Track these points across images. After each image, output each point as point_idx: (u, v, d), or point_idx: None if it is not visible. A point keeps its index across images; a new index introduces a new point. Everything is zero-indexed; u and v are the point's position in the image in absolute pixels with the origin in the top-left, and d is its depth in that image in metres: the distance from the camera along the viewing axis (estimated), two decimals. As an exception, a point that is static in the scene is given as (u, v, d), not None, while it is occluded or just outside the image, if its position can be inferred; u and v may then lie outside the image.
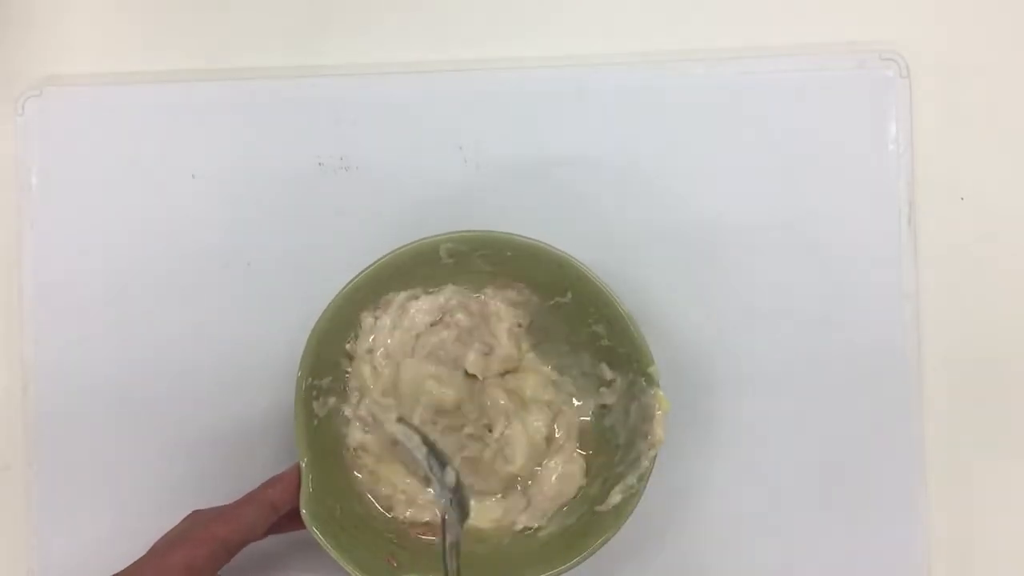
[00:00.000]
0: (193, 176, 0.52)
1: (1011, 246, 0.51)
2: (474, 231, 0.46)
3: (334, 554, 0.44)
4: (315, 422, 0.47)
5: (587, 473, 0.48)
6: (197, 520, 0.45)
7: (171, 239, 0.51)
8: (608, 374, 0.48)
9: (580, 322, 0.48)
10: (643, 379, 0.46)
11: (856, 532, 0.50)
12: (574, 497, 0.48)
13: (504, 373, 0.49)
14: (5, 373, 0.52)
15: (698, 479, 0.50)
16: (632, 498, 0.45)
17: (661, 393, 0.46)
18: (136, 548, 0.50)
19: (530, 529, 0.48)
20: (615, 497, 0.46)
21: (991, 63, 0.51)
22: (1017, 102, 0.51)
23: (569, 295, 0.47)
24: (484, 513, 0.48)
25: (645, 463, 0.45)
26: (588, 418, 0.49)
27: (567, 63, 0.52)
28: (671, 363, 0.50)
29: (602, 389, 0.48)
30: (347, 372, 0.48)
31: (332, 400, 0.48)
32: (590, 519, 0.47)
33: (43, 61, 0.53)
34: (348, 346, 0.48)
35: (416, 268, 0.47)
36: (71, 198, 0.52)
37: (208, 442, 0.51)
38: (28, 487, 0.51)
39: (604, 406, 0.49)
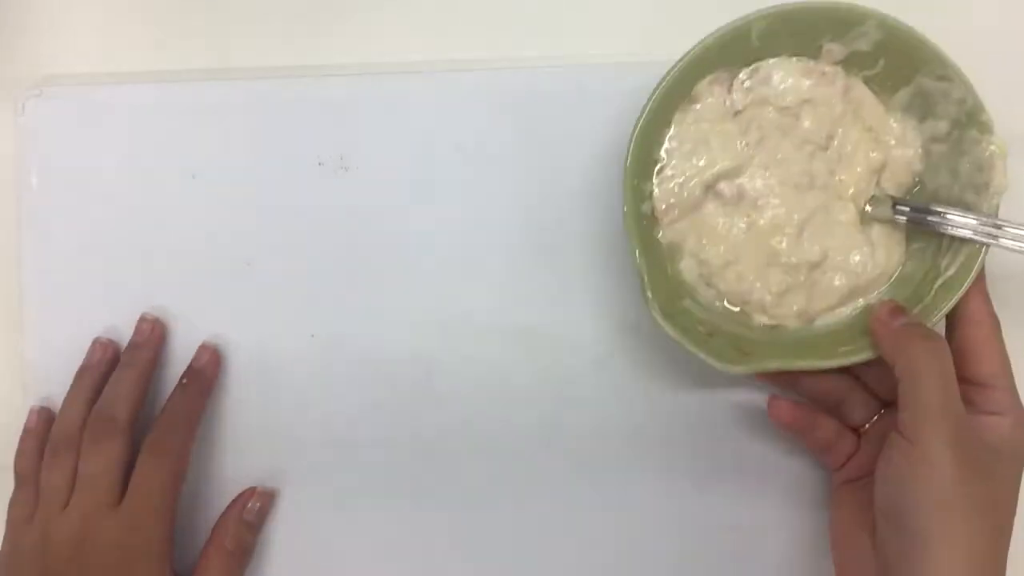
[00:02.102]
0: (193, 176, 0.52)
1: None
2: (787, 4, 0.45)
3: (688, 344, 0.44)
4: (643, 223, 0.46)
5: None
6: None
7: (171, 239, 0.51)
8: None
9: (891, 92, 0.47)
10: (975, 129, 0.44)
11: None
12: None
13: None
14: (5, 373, 0.52)
15: (703, 474, 0.50)
16: (973, 256, 0.44)
17: (999, 138, 0.44)
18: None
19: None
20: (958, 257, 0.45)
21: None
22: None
23: (880, 63, 0.46)
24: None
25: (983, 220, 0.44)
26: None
27: (567, 63, 0.52)
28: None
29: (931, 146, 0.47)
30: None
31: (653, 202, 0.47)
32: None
33: (43, 61, 0.53)
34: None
35: (725, 56, 0.46)
36: (71, 198, 0.52)
37: (207, 441, 0.51)
38: (28, 487, 0.51)
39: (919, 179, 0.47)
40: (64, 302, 0.51)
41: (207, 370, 0.50)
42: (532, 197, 0.51)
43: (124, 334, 0.51)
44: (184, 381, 0.49)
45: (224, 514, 0.49)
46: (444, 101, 0.51)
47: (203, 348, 0.50)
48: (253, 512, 0.49)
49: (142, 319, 0.50)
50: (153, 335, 0.50)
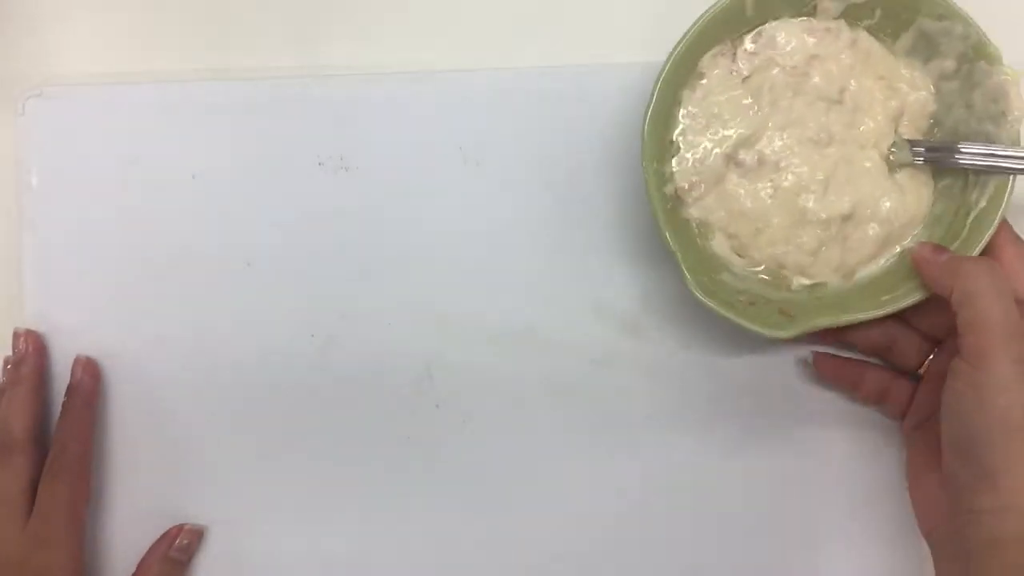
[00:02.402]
0: (193, 176, 0.52)
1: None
2: None
3: (733, 317, 0.44)
4: (668, 205, 0.46)
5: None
6: None
7: (171, 239, 0.51)
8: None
9: (893, 39, 0.47)
10: (983, 61, 0.45)
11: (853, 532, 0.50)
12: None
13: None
14: (5, 373, 0.52)
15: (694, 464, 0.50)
16: (1001, 187, 0.44)
17: (1009, 66, 0.44)
18: (136, 549, 0.50)
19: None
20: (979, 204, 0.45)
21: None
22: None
23: (877, 13, 0.46)
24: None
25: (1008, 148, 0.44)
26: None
27: (567, 63, 0.51)
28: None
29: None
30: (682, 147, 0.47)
31: (675, 184, 0.47)
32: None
33: (43, 61, 0.53)
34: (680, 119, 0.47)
35: (721, 31, 0.46)
36: (71, 198, 0.52)
37: (207, 441, 0.51)
38: (28, 487, 0.51)
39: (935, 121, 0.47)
40: (64, 302, 0.51)
41: (84, 384, 0.49)
42: (532, 197, 0.51)
43: (122, 334, 0.51)
44: (64, 400, 0.49)
45: (149, 552, 0.49)
46: (444, 101, 0.51)
47: (76, 362, 0.50)
48: (181, 549, 0.49)
49: (15, 335, 0.50)
50: (29, 349, 0.49)
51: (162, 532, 0.50)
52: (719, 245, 0.47)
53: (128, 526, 0.50)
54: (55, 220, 0.52)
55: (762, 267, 0.47)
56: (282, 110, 0.51)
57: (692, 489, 0.50)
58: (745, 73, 0.47)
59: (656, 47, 0.47)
